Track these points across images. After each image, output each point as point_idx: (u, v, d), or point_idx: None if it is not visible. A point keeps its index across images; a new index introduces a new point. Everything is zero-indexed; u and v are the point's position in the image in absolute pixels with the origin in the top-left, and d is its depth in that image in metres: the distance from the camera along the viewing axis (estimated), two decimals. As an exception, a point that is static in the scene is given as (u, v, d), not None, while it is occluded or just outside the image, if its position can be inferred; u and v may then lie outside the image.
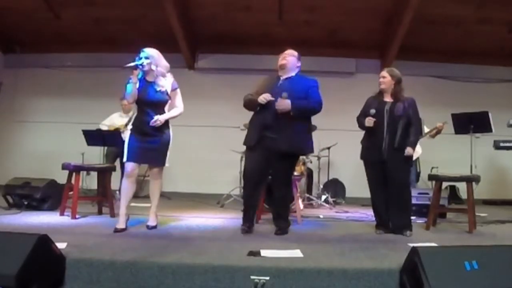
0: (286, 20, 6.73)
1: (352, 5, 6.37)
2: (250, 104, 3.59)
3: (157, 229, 3.63)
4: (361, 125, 3.75)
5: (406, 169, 3.74)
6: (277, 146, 3.41)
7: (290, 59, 3.57)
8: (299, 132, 3.49)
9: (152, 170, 3.69)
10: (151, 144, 3.52)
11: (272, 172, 3.65)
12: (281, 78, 3.58)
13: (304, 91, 3.51)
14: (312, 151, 3.72)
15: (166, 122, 3.60)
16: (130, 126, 3.64)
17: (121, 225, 3.49)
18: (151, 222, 3.66)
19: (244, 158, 3.87)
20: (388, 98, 3.69)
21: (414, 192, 4.30)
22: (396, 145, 3.56)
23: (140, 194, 6.17)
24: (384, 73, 3.72)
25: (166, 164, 3.65)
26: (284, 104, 3.35)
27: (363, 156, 3.79)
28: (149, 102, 3.51)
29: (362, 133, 3.88)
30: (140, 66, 3.45)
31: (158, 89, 3.52)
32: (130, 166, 3.52)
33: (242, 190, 6.20)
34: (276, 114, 3.39)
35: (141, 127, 3.52)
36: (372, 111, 3.61)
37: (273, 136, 3.41)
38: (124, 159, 3.56)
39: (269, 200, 4.17)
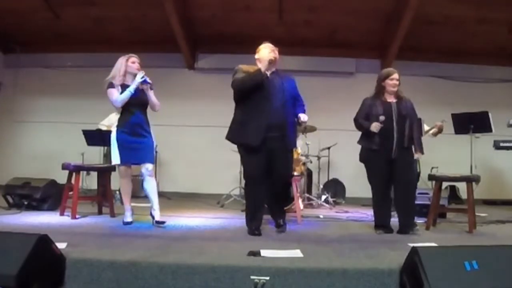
0: (286, 20, 6.73)
1: (352, 5, 6.37)
2: (251, 79, 3.40)
3: (157, 229, 3.63)
4: (360, 127, 3.72)
5: (413, 168, 3.78)
6: (284, 144, 3.49)
7: (277, 53, 3.56)
8: (296, 127, 3.71)
9: (144, 168, 3.74)
10: (140, 144, 3.69)
11: (277, 169, 3.52)
12: (267, 73, 3.49)
13: (293, 89, 3.63)
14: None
15: (149, 123, 3.82)
16: (114, 128, 3.75)
17: (129, 218, 3.83)
18: (161, 218, 3.75)
19: (242, 161, 3.73)
20: (391, 99, 3.69)
21: (414, 192, 4.30)
22: (406, 144, 3.60)
23: (140, 194, 6.17)
24: (398, 76, 3.69)
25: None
26: (306, 119, 3.54)
27: (367, 158, 3.72)
28: (138, 102, 3.71)
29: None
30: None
31: (140, 88, 3.73)
32: (123, 168, 3.78)
33: (241, 191, 6.23)
34: (283, 114, 3.44)
35: (130, 128, 3.68)
36: (382, 117, 3.55)
37: (277, 135, 3.42)
38: (117, 161, 3.72)
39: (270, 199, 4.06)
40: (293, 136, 3.60)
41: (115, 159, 3.71)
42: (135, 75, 3.72)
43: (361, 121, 3.71)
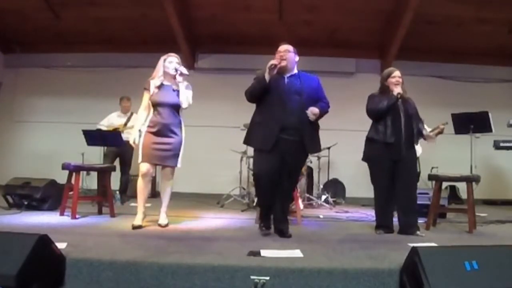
0: (286, 20, 6.73)
1: (352, 5, 6.37)
2: (257, 84, 3.33)
3: (157, 229, 3.64)
4: (379, 110, 3.61)
5: (416, 168, 3.81)
6: (300, 147, 3.36)
7: (288, 56, 3.39)
8: (317, 131, 3.49)
9: (164, 170, 3.77)
10: (165, 145, 3.64)
11: (286, 171, 3.39)
12: (285, 76, 3.41)
13: (314, 90, 3.46)
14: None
15: (179, 125, 3.75)
16: (144, 128, 3.69)
17: (138, 221, 3.64)
18: (163, 221, 3.76)
19: (253, 159, 3.61)
20: None
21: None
22: (416, 142, 3.64)
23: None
24: (399, 73, 3.70)
25: (179, 165, 3.74)
26: (316, 111, 3.32)
27: (374, 155, 3.68)
28: (162, 103, 3.66)
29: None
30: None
31: (174, 88, 3.72)
32: (145, 166, 3.65)
33: (241, 191, 6.24)
34: (299, 117, 3.30)
35: (157, 128, 3.64)
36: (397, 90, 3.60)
37: (292, 138, 3.30)
38: (139, 160, 3.67)
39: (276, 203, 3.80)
40: (312, 140, 3.42)
41: (139, 157, 3.68)
42: (174, 76, 3.71)
43: (375, 105, 3.66)
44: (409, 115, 3.63)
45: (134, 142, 3.69)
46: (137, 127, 3.76)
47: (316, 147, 3.53)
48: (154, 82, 3.71)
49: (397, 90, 3.60)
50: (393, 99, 3.59)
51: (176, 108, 3.72)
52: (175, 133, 3.69)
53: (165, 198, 3.81)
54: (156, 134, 3.63)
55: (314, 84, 3.48)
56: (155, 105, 3.68)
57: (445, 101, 6.82)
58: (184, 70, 3.70)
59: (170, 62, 3.72)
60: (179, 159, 3.73)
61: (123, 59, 7.34)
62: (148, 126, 3.67)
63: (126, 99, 5.86)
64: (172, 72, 3.70)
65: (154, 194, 6.35)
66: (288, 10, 6.56)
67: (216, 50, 7.35)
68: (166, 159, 3.67)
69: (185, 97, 3.69)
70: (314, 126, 3.42)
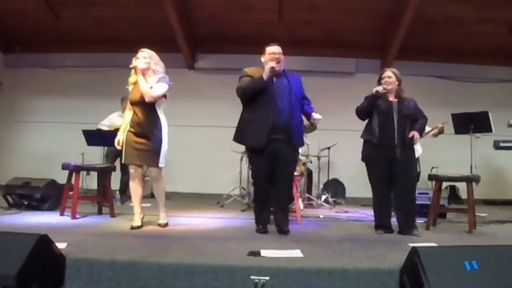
0: (286, 20, 6.73)
1: (352, 5, 6.37)
2: (253, 85, 3.41)
3: (157, 229, 3.64)
4: (362, 109, 3.70)
5: (414, 168, 3.79)
6: (290, 145, 3.47)
7: (282, 58, 3.52)
8: (302, 126, 3.65)
9: (150, 170, 3.75)
10: (143, 145, 3.58)
11: (280, 169, 3.48)
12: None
13: (299, 89, 3.59)
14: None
15: (156, 123, 3.60)
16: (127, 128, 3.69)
17: (137, 222, 3.63)
18: (163, 220, 3.77)
19: (248, 159, 3.73)
20: (392, 98, 3.68)
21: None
22: (406, 142, 3.61)
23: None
24: (390, 73, 3.69)
25: (162, 165, 3.64)
26: (320, 117, 3.51)
27: (369, 156, 3.71)
28: (133, 101, 3.63)
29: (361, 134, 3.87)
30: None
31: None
32: (131, 168, 3.67)
33: (241, 191, 6.24)
34: (289, 115, 3.41)
35: (134, 127, 3.61)
36: (381, 88, 3.63)
37: (282, 136, 3.41)
38: (123, 160, 3.70)
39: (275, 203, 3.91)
40: (299, 137, 3.57)
41: (123, 158, 3.69)
42: (147, 72, 3.64)
43: (361, 106, 3.73)
44: (403, 116, 3.61)
45: (118, 143, 3.68)
46: (122, 129, 3.73)
47: (301, 141, 3.68)
48: (129, 80, 3.69)
49: (375, 88, 3.63)
50: (370, 97, 3.64)
51: (144, 104, 3.55)
52: (152, 133, 3.57)
53: (159, 199, 3.82)
54: (135, 134, 3.60)
55: (299, 82, 3.61)
56: (131, 104, 3.66)
57: (445, 101, 6.82)
58: (140, 64, 3.58)
59: (137, 58, 3.65)
60: (162, 159, 3.59)
61: (123, 59, 7.22)
62: (130, 126, 3.65)
63: (127, 99, 5.86)
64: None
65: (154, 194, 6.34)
66: (288, 10, 6.56)
67: (216, 50, 7.35)
68: (145, 159, 3.61)
69: (146, 88, 3.51)
70: (300, 122, 3.57)
